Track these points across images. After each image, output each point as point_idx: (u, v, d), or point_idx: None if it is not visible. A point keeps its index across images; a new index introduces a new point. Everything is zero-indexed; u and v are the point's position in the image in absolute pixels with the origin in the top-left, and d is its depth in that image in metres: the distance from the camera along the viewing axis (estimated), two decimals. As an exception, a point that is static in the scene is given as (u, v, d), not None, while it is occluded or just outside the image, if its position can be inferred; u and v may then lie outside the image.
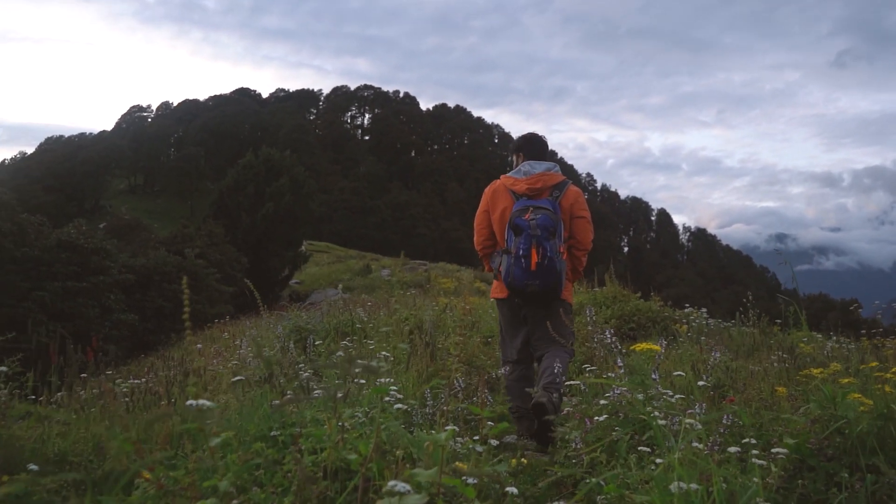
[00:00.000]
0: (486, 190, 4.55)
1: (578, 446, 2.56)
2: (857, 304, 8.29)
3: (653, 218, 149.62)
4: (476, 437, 2.39)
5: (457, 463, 1.73)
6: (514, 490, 1.94)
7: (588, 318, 4.87)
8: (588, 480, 2.26)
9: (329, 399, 2.25)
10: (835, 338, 6.49)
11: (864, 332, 5.91)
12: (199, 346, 7.38)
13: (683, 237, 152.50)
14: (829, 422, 2.22)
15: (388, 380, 3.33)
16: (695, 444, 1.99)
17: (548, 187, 4.34)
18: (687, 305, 8.18)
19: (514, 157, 4.61)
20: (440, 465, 1.51)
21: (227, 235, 31.23)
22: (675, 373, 3.22)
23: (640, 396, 2.59)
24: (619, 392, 2.71)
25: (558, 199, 4.32)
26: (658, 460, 1.94)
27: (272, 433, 2.21)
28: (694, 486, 1.57)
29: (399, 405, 2.58)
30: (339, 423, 2.05)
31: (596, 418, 2.68)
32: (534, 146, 4.55)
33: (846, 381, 2.60)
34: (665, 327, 7.62)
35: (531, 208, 4.21)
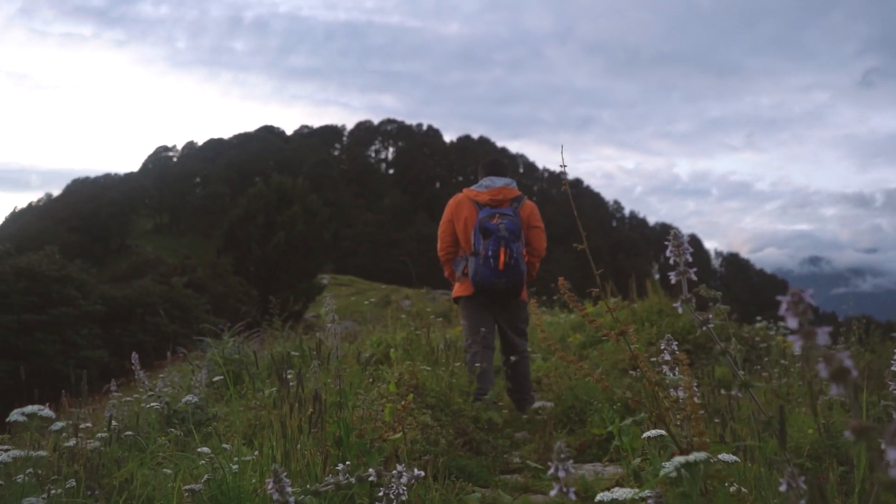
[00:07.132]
0: (450, 202, 5.00)
1: None
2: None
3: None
4: None
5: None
6: None
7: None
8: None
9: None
10: None
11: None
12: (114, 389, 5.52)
13: (716, 262, 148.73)
14: None
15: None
16: None
17: (507, 199, 4.79)
18: (759, 318, 6.11)
19: (480, 176, 5.06)
20: None
21: (238, 267, 29.96)
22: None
23: None
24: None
25: (517, 209, 4.77)
26: None
27: None
28: None
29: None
30: None
31: None
32: (494, 166, 5.08)
33: None
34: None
35: (497, 214, 4.66)
